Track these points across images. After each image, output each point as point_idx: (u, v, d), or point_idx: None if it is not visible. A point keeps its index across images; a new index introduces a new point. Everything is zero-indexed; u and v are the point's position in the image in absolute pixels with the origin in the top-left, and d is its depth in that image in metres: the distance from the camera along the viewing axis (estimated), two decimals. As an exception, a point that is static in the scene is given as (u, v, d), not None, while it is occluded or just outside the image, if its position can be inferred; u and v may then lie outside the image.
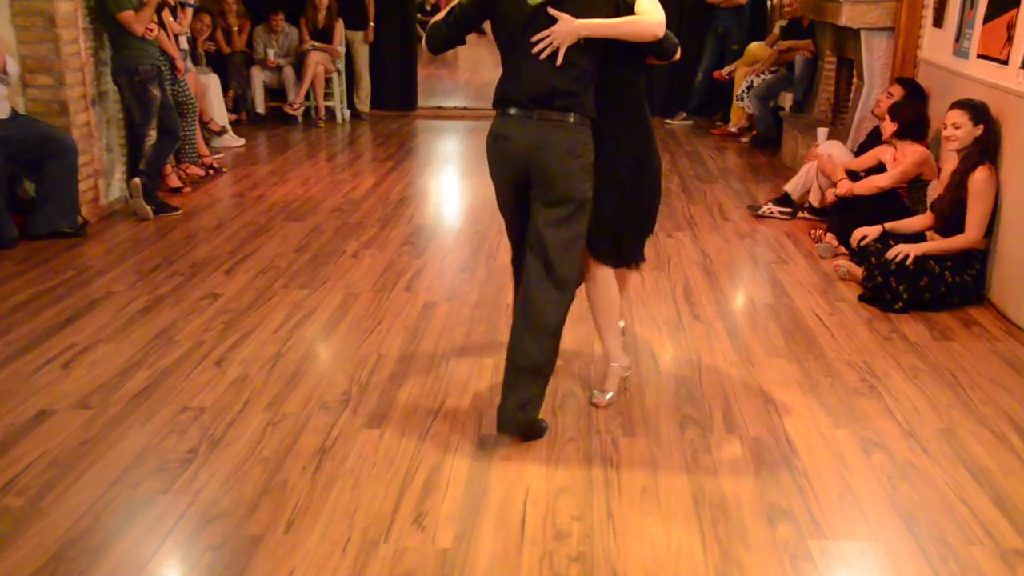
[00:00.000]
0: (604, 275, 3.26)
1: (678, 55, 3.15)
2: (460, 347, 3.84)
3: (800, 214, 5.71)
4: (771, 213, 5.76)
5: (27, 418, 3.17)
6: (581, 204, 2.99)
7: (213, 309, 4.21)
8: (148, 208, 5.65)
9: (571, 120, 2.94)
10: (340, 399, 3.34)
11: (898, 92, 5.28)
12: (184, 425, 3.13)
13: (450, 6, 3.10)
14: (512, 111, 2.98)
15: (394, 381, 3.50)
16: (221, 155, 7.41)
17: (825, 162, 5.41)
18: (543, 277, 2.99)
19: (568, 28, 2.85)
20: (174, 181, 6.34)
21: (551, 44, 2.87)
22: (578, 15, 2.85)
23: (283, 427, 3.13)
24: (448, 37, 3.12)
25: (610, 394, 3.37)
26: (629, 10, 2.90)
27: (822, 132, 6.26)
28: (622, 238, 3.22)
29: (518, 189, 3.06)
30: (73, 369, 3.56)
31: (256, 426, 3.13)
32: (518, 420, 3.01)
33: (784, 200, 5.78)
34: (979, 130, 4.25)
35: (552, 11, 2.86)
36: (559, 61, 2.88)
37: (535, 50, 2.89)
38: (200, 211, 5.92)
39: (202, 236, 5.37)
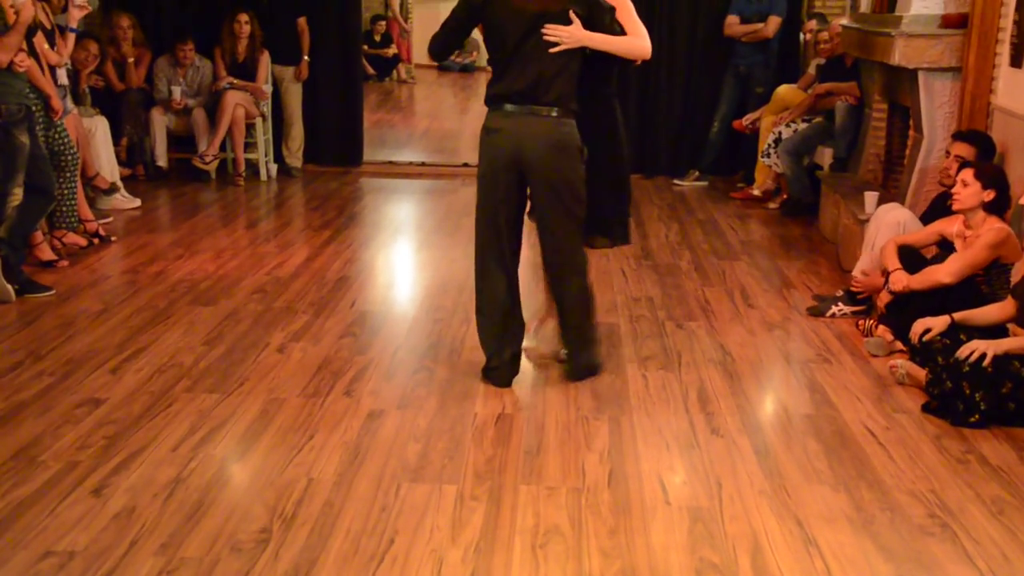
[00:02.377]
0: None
1: (638, 63, 4.56)
2: (414, 469, 3.83)
3: (877, 310, 5.44)
4: (843, 314, 5.65)
5: None
6: (573, 193, 4.33)
7: (92, 420, 4.17)
8: (9, 288, 5.65)
9: (554, 114, 4.22)
10: (257, 539, 3.30)
11: (965, 151, 5.36)
12: (46, 575, 3.05)
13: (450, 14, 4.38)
14: (507, 107, 4.26)
15: (328, 514, 3.47)
16: (110, 220, 7.43)
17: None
18: (564, 267, 4.55)
19: (578, 34, 4.16)
20: (46, 253, 6.33)
21: (562, 39, 4.13)
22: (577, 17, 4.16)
23: (180, 576, 3.07)
24: (445, 42, 4.46)
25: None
26: (606, 23, 4.24)
27: (870, 197, 6.35)
28: (606, 215, 4.72)
29: (509, 183, 4.34)
30: (-96, 498, 3.49)
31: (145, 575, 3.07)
32: (587, 373, 4.66)
33: (851, 293, 5.68)
34: None
35: (572, 15, 4.13)
36: (554, 50, 4.14)
37: (547, 37, 4.13)
38: (79, 291, 5.91)
39: (81, 324, 5.35)
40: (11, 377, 4.60)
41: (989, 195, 4.91)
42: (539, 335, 5.04)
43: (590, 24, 4.20)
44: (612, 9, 4.28)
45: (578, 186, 4.33)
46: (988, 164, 5.16)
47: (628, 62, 4.49)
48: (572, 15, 4.14)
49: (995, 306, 4.63)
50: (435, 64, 18.98)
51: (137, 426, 4.12)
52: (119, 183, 7.96)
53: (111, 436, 4.02)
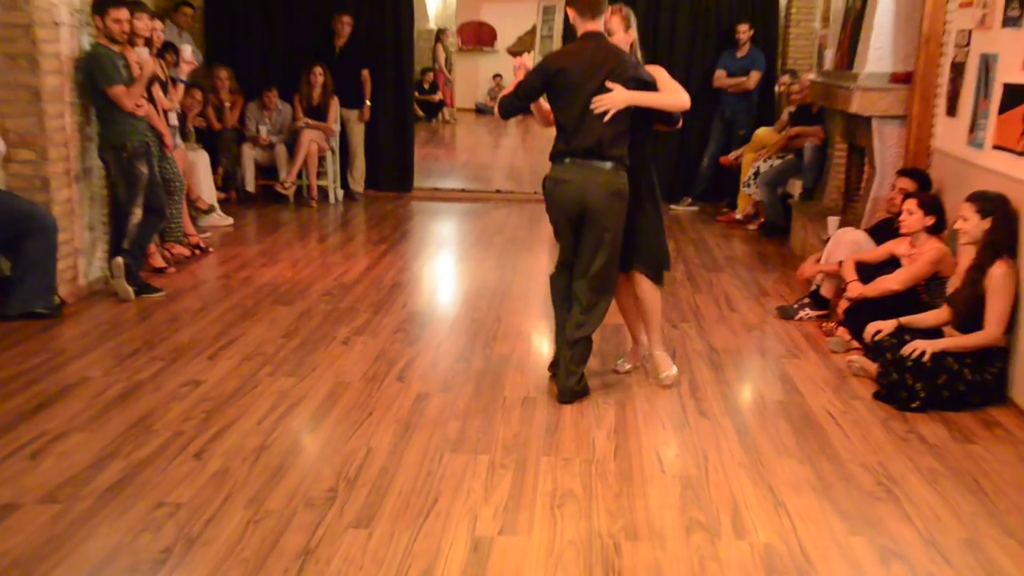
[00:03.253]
0: (646, 284, 4.48)
1: (679, 124, 4.39)
2: (454, 442, 3.82)
3: (837, 314, 5.41)
4: (808, 318, 5.64)
5: (-9, 512, 3.14)
6: (617, 232, 4.19)
7: (194, 397, 4.20)
8: (129, 289, 5.69)
9: (608, 167, 4.12)
10: (326, 496, 3.32)
11: (907, 184, 5.38)
12: (159, 522, 3.10)
13: (517, 81, 4.26)
14: (567, 161, 4.17)
15: (384, 477, 3.48)
16: (208, 234, 7.48)
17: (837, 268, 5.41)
18: (596, 289, 4.26)
19: (622, 96, 4.05)
20: (158, 261, 6.40)
21: (607, 106, 4.03)
22: (625, 87, 4.04)
23: (265, 525, 3.10)
24: (517, 106, 4.28)
25: (671, 371, 4.58)
26: (652, 87, 4.15)
27: (832, 221, 6.35)
28: (655, 246, 4.46)
29: (572, 221, 4.22)
30: (42, 459, 3.53)
31: (236, 524, 3.10)
32: (574, 392, 4.28)
33: (817, 299, 5.67)
34: (987, 223, 4.33)
35: (609, 83, 4.04)
36: (607, 118, 4.05)
37: (596, 110, 4.05)
38: (184, 293, 5.95)
39: (185, 319, 5.39)
40: (130, 362, 4.65)
41: (930, 220, 4.93)
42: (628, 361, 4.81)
43: (639, 88, 4.11)
44: (654, 81, 4.17)
45: (622, 226, 4.21)
46: (928, 195, 5.15)
47: (669, 122, 4.33)
48: (609, 83, 4.04)
49: (934, 312, 4.61)
50: (472, 108, 19.10)
51: (230, 403, 4.15)
52: (216, 205, 8.02)
53: (209, 411, 4.05)
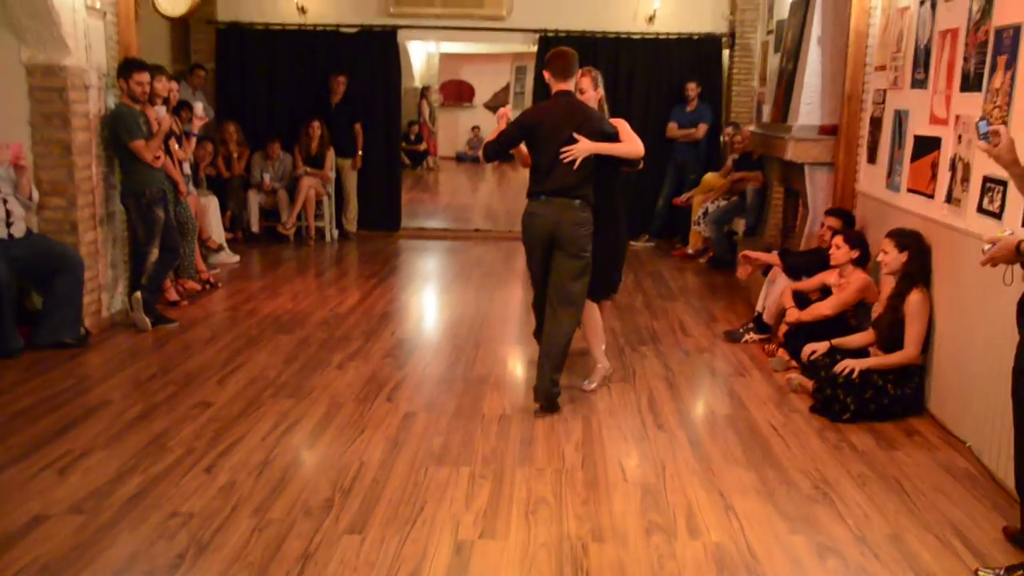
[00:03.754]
0: (592, 308, 4.72)
1: (641, 166, 4.58)
2: (438, 455, 3.82)
3: (778, 338, 5.43)
4: (753, 340, 5.67)
5: (21, 523, 3.10)
6: (587, 260, 4.38)
7: (205, 417, 4.18)
8: (147, 320, 5.66)
9: (577, 204, 4.33)
10: (323, 505, 3.31)
11: (833, 222, 5.48)
12: (173, 531, 3.08)
13: (500, 129, 4.50)
14: (542, 198, 4.37)
15: (375, 488, 3.47)
16: (217, 271, 7.44)
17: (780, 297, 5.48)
18: (564, 303, 4.40)
19: (587, 146, 4.29)
20: (172, 295, 6.37)
21: (575, 154, 4.26)
22: (590, 138, 4.29)
23: (268, 532, 3.09)
24: (498, 151, 4.50)
25: (594, 384, 4.75)
26: (615, 138, 4.42)
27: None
28: (610, 277, 4.76)
29: (544, 249, 4.40)
30: (69, 475, 3.51)
31: (242, 531, 3.09)
32: (550, 393, 4.36)
33: (760, 324, 5.72)
34: (904, 256, 4.41)
35: (576, 135, 4.27)
36: (576, 166, 4.27)
37: (565, 159, 4.27)
38: (195, 324, 5.92)
39: (196, 347, 5.37)
40: (147, 386, 4.63)
41: (855, 254, 5.00)
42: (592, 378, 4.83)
43: (603, 140, 4.35)
44: (616, 131, 4.43)
45: (588, 252, 4.37)
46: (853, 231, 5.23)
47: (631, 164, 4.51)
48: (576, 135, 4.26)
49: (861, 334, 4.66)
50: (453, 157, 19.17)
51: (236, 422, 4.13)
52: (224, 244, 7.99)
53: (218, 429, 4.04)
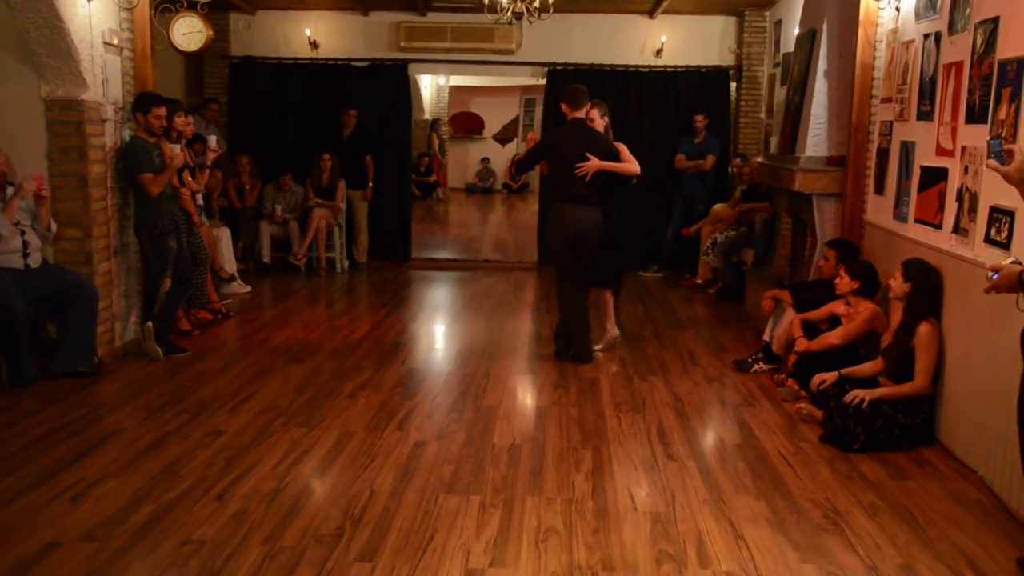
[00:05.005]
0: (604, 293, 6.12)
1: (634, 182, 5.87)
2: (448, 484, 3.82)
3: (787, 367, 5.41)
4: (762, 370, 5.65)
5: (35, 550, 3.12)
6: (595, 249, 5.70)
7: (217, 445, 4.20)
8: (159, 350, 5.71)
9: (590, 208, 5.71)
10: (334, 533, 3.31)
11: (831, 254, 5.50)
12: (185, 558, 3.09)
13: (528, 149, 6.01)
14: (568, 203, 5.73)
15: (385, 516, 3.47)
16: (229, 301, 7.48)
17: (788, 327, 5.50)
18: (591, 282, 5.91)
19: (595, 164, 5.65)
20: (185, 325, 6.40)
21: (585, 170, 5.62)
22: (598, 156, 5.65)
23: (279, 560, 3.09)
24: (528, 167, 6.07)
25: (601, 345, 6.10)
26: (616, 156, 5.75)
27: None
28: (616, 270, 6.10)
29: (567, 242, 5.73)
30: (82, 502, 3.53)
31: (254, 559, 3.10)
32: (588, 353, 5.88)
33: (769, 354, 5.70)
34: (907, 287, 4.42)
35: (588, 154, 5.64)
36: (587, 179, 5.66)
37: (578, 173, 5.64)
38: (207, 353, 5.96)
39: (208, 376, 5.39)
40: (159, 414, 4.65)
41: (855, 284, 5.01)
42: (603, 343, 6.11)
43: (607, 159, 5.70)
44: (619, 151, 5.78)
45: (598, 245, 5.72)
46: (857, 262, 5.24)
47: (628, 179, 5.81)
48: (588, 155, 5.65)
49: (870, 364, 4.66)
50: (463, 188, 19.29)
51: (248, 451, 4.14)
52: (236, 274, 8.04)
53: (229, 457, 4.05)
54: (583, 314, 5.85)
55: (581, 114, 5.74)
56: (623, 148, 5.80)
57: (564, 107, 5.79)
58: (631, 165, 5.76)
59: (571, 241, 5.69)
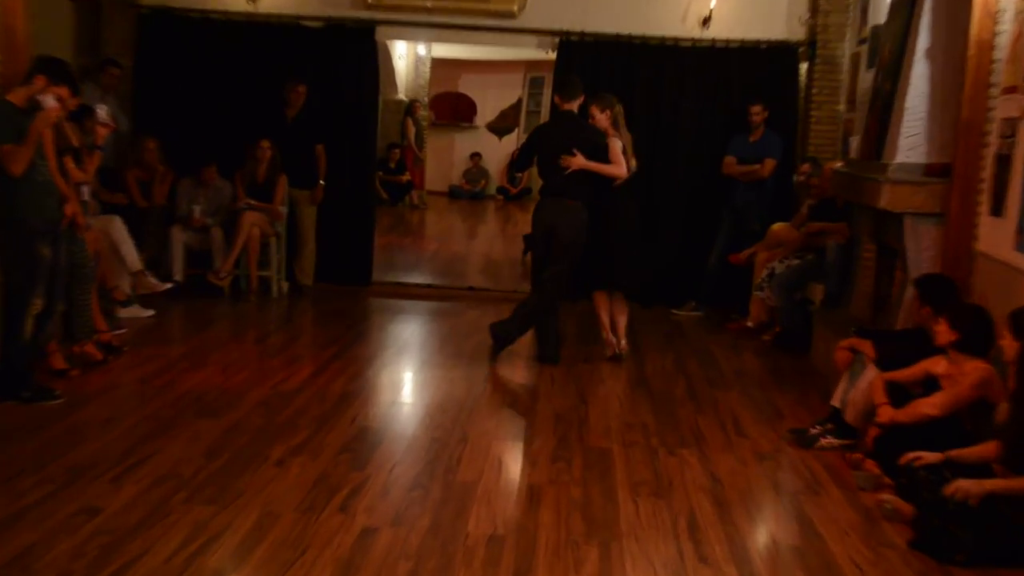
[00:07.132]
0: (597, 296, 7.50)
1: (617, 182, 7.18)
2: (403, 590, 3.73)
3: (865, 444, 5.36)
4: (831, 446, 5.55)
5: None
6: (573, 250, 7.11)
7: (89, 529, 4.10)
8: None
9: (570, 203, 7.07)
10: (242, 656, 3.20)
11: (912, 293, 5.44)
12: None
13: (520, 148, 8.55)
14: (548, 198, 7.21)
15: (314, 633, 3.37)
16: (123, 331, 7.39)
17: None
18: (554, 285, 7.27)
19: (578, 161, 7.00)
20: (58, 361, 6.27)
21: (569, 165, 6.99)
22: (583, 151, 7.01)
23: None
24: (521, 167, 8.30)
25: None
26: (604, 152, 7.08)
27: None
28: (629, 268, 7.44)
29: (545, 237, 7.16)
30: None
31: None
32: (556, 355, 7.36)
33: (840, 424, 5.60)
34: (1017, 345, 4.37)
35: (575, 151, 6.99)
36: (567, 173, 7.02)
37: (562, 165, 7.02)
38: (88, 400, 5.87)
39: (87, 432, 5.31)
40: (13, 484, 4.53)
41: (953, 335, 4.94)
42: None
43: (593, 156, 7.03)
44: (606, 147, 7.05)
45: (578, 245, 7.10)
46: (962, 306, 5.17)
47: (611, 180, 7.15)
48: (575, 151, 7.00)
49: (980, 446, 4.59)
50: (445, 191, 19.34)
51: (132, 536, 4.04)
52: (133, 293, 7.99)
53: (105, 545, 3.94)
54: (554, 312, 7.29)
55: (574, 106, 7.21)
56: (614, 145, 7.06)
57: (556, 98, 7.49)
58: (613, 168, 7.05)
59: (546, 236, 7.08)
